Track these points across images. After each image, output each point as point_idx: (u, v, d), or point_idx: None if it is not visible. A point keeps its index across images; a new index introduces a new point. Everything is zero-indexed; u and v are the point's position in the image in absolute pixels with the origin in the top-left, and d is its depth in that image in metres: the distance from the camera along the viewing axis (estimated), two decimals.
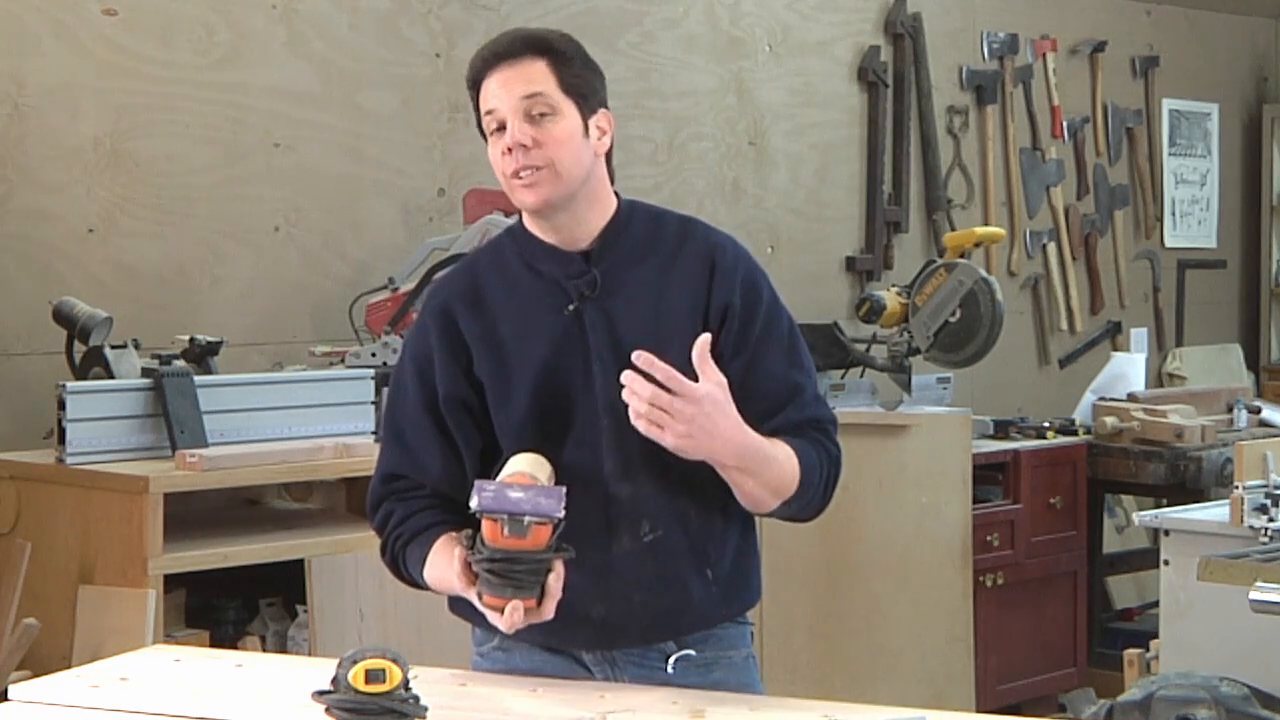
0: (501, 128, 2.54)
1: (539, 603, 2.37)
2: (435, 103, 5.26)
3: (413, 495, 2.62)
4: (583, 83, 2.57)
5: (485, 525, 2.35)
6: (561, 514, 2.34)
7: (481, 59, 2.58)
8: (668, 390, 2.40)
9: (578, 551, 2.41)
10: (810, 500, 2.59)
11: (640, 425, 2.42)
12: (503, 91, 2.54)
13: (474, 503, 2.34)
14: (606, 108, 2.62)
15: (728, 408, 2.45)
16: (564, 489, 2.38)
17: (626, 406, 2.50)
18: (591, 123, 2.58)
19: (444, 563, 2.49)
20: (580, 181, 2.57)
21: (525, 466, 2.44)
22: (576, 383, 2.56)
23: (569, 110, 2.55)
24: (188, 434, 4.05)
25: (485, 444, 2.60)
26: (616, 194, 2.66)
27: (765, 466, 2.51)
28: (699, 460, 2.51)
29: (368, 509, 2.67)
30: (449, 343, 2.60)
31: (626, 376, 2.42)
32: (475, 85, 2.58)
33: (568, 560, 2.39)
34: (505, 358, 2.58)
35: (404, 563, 2.60)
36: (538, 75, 2.54)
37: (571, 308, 2.58)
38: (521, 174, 2.54)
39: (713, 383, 2.44)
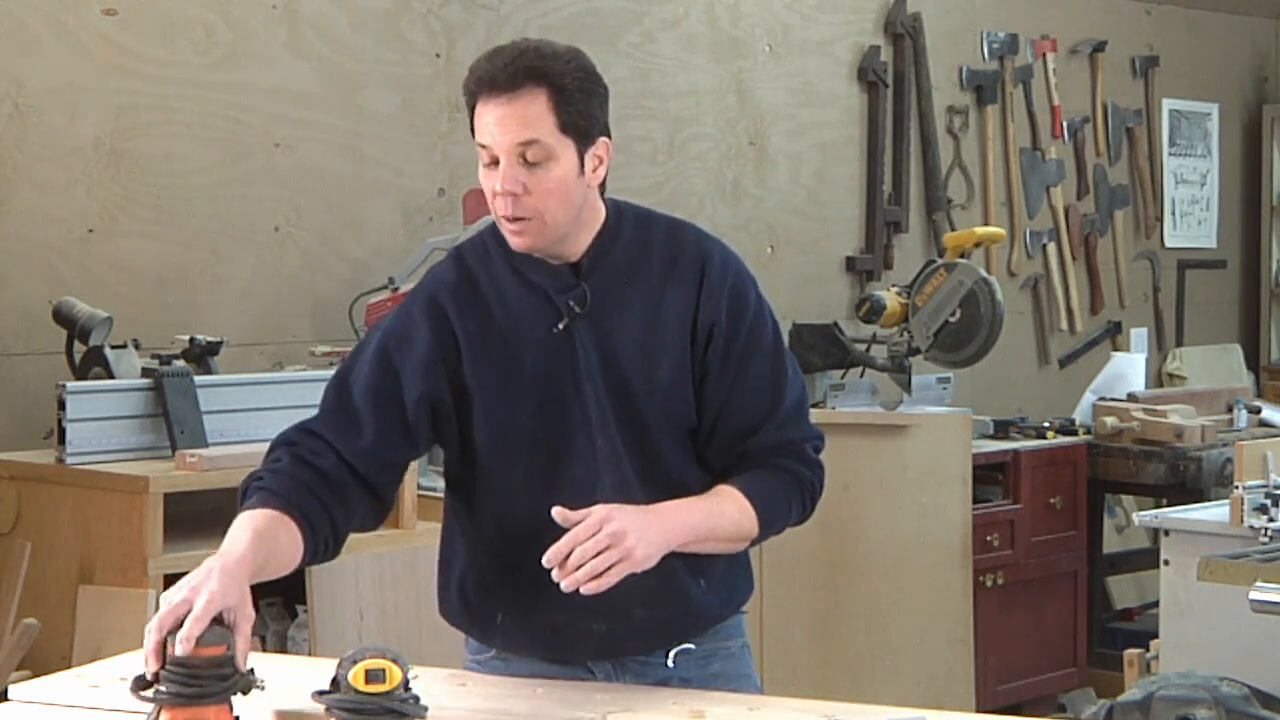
0: (494, 162, 2.43)
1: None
2: (435, 103, 5.26)
3: (306, 459, 2.49)
4: (582, 117, 2.42)
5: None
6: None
7: (478, 79, 2.42)
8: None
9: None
10: (781, 528, 2.58)
11: (595, 585, 2.34)
12: (497, 130, 2.40)
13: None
14: (607, 134, 2.48)
15: (629, 509, 2.39)
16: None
17: (619, 425, 2.49)
18: (588, 155, 2.45)
19: (237, 531, 2.36)
20: (569, 223, 2.47)
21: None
22: (569, 400, 2.50)
23: (565, 153, 2.42)
24: (188, 434, 4.04)
25: (452, 447, 2.55)
26: (603, 197, 2.56)
27: (718, 526, 2.49)
28: (692, 475, 2.53)
29: (271, 442, 2.56)
30: (439, 341, 2.51)
31: (548, 560, 2.33)
32: (471, 100, 2.45)
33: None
34: (503, 364, 2.51)
35: (241, 499, 2.46)
36: (535, 115, 2.39)
37: (562, 325, 2.50)
38: (507, 220, 2.44)
39: (598, 514, 2.35)
